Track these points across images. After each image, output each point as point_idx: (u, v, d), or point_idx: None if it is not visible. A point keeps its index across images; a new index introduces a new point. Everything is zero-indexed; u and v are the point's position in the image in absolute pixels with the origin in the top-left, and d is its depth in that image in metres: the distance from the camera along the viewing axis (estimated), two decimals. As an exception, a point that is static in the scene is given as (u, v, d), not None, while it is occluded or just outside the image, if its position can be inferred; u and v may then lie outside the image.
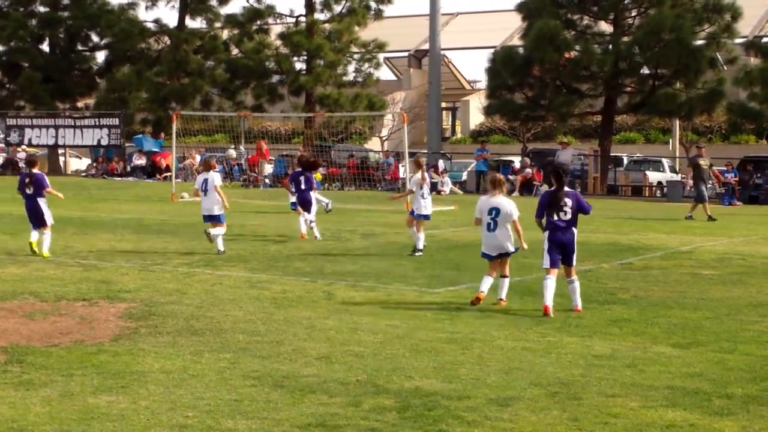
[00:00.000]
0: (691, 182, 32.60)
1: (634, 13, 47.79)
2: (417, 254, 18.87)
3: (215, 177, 19.38)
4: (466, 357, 10.05)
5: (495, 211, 13.62)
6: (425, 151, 51.98)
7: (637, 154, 53.11)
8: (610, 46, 46.00)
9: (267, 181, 45.79)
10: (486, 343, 10.75)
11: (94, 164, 53.96)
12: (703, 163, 30.69)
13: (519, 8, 48.31)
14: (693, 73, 44.93)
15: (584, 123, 60.90)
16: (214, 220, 19.26)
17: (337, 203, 33.85)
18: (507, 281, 13.66)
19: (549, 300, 12.65)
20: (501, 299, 13.44)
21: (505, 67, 47.09)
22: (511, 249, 13.75)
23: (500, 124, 61.70)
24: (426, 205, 19.54)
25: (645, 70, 47.00)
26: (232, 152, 47.01)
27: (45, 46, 59.46)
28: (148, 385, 8.67)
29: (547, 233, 13.15)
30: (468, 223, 26.59)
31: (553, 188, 13.42)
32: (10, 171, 52.94)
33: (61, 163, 57.25)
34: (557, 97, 47.27)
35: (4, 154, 57.17)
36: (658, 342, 10.98)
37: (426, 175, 20.04)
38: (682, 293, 14.69)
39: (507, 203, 13.73)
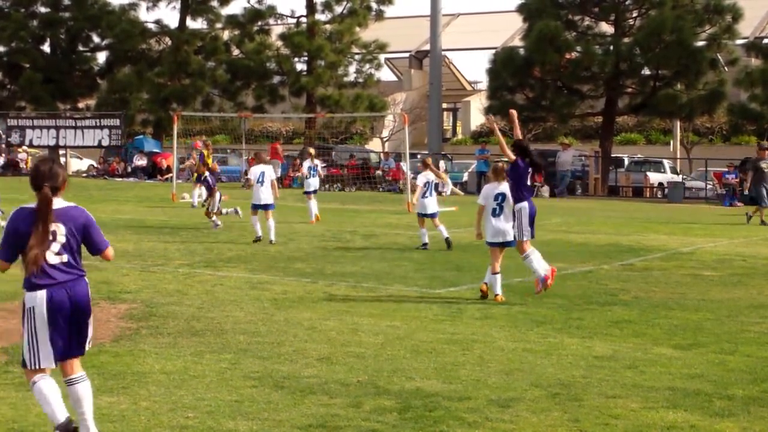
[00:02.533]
0: (748, 184, 31.64)
1: (634, 14, 47.84)
2: (423, 247, 20.03)
3: (270, 170, 21.46)
4: (466, 358, 10.05)
5: (501, 197, 13.84)
6: (426, 152, 52.04)
7: (638, 155, 53.14)
8: (611, 47, 46.04)
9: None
10: (487, 344, 10.75)
11: (110, 162, 53.84)
12: (765, 166, 29.47)
13: (520, 9, 48.36)
14: (694, 74, 44.98)
15: (585, 124, 60.92)
16: (267, 208, 20.94)
17: (338, 204, 33.87)
18: (499, 277, 13.79)
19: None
20: (498, 295, 13.64)
21: (505, 67, 47.13)
22: (511, 238, 13.82)
23: (501, 124, 61.63)
24: (434, 203, 20.69)
25: (646, 71, 47.05)
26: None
27: (46, 47, 59.56)
28: (149, 386, 8.67)
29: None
30: (469, 224, 26.59)
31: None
32: (11, 172, 52.96)
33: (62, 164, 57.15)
34: (558, 98, 47.31)
35: (5, 155, 57.16)
36: (659, 343, 10.98)
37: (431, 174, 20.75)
38: (682, 294, 14.69)
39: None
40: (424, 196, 20.31)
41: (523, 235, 13.60)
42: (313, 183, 27.03)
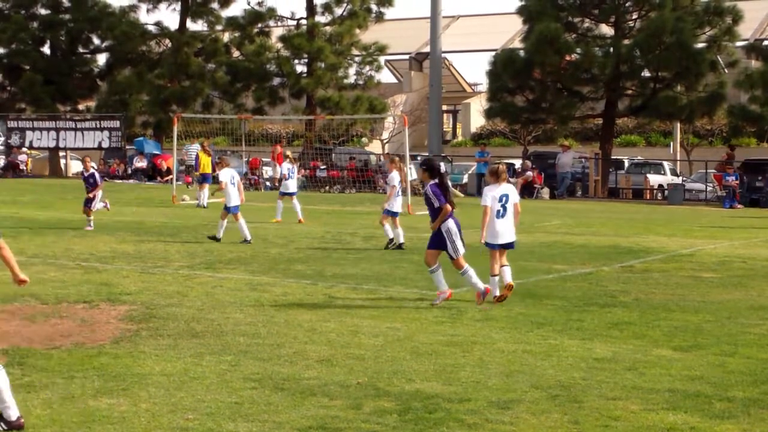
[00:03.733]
0: None
1: (635, 16, 47.84)
2: (401, 248, 20.23)
3: (236, 173, 21.89)
4: (466, 360, 10.05)
5: (505, 198, 13.89)
6: (426, 154, 52.04)
7: (638, 157, 53.15)
8: (611, 49, 46.04)
9: (267, 183, 45.84)
10: (487, 345, 10.74)
11: (110, 164, 53.78)
12: None
13: (520, 11, 48.35)
14: (694, 76, 44.97)
15: (585, 126, 60.95)
16: (237, 210, 21.43)
17: (338, 206, 33.87)
18: (508, 268, 13.94)
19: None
20: (510, 283, 13.68)
21: (505, 69, 47.12)
22: (512, 239, 14.01)
23: (501, 126, 61.71)
24: (399, 202, 20.98)
25: (646, 73, 47.03)
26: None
27: (46, 49, 59.58)
28: (149, 388, 8.67)
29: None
30: (469, 226, 26.58)
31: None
32: (11, 173, 52.98)
33: (62, 166, 57.24)
34: (558, 100, 47.31)
35: (5, 157, 57.18)
36: (659, 345, 10.98)
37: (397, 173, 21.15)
38: (683, 296, 14.69)
39: (513, 189, 14.22)
40: (398, 194, 20.81)
41: (458, 252, 13.33)
42: (291, 185, 27.13)
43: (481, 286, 13.33)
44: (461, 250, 13.40)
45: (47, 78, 56.65)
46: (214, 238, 21.11)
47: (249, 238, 21.03)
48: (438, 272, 13.38)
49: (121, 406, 8.07)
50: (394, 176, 20.90)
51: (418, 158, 50.66)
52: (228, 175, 21.84)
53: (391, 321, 12.10)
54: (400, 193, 20.94)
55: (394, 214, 20.64)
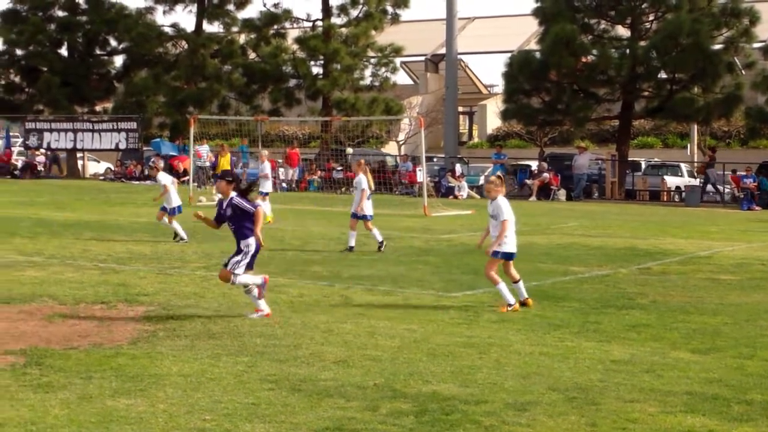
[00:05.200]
0: None
1: (651, 18, 47.74)
2: (382, 248, 20.09)
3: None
4: (483, 361, 10.03)
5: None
6: (442, 155, 52.03)
7: (655, 159, 53.00)
8: (628, 51, 45.97)
9: (284, 185, 45.89)
10: (503, 347, 10.73)
11: (127, 166, 53.90)
12: None
13: (536, 13, 48.30)
14: (711, 77, 44.86)
15: (601, 127, 60.82)
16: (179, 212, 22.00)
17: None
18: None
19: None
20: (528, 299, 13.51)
21: (521, 71, 47.08)
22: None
23: (517, 128, 61.65)
24: (370, 206, 20.60)
25: (662, 75, 46.95)
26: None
27: (63, 50, 59.80)
28: (166, 388, 8.68)
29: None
30: (485, 228, 26.57)
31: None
32: (29, 174, 53.18)
33: (80, 167, 57.43)
34: (574, 102, 47.24)
35: (24, 158, 57.43)
36: (676, 347, 10.95)
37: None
38: (700, 298, 14.64)
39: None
40: (368, 198, 20.45)
41: (240, 268, 12.34)
42: (269, 185, 27.20)
43: (259, 279, 12.47)
44: (243, 267, 12.34)
45: (65, 80, 56.83)
46: (181, 239, 21.12)
47: (185, 237, 21.23)
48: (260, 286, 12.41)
49: (139, 407, 8.09)
50: (362, 180, 20.53)
51: (435, 160, 50.78)
52: (169, 179, 22.30)
53: (407, 322, 12.09)
54: (369, 196, 20.55)
55: (365, 218, 20.27)
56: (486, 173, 48.25)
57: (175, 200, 21.81)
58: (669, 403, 8.54)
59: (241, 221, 12.46)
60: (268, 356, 10.06)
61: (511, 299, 13.13)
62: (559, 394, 8.77)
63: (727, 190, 44.42)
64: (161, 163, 24.47)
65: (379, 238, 20.32)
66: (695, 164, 49.64)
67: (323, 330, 11.47)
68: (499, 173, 14.26)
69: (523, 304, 13.32)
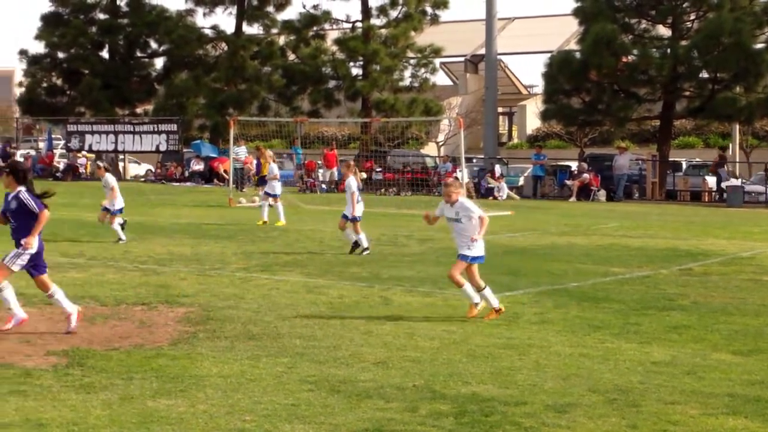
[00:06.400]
0: None
1: (692, 17, 47.40)
2: (366, 253, 19.59)
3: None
4: (523, 363, 10.00)
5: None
6: (481, 156, 51.93)
7: (696, 159, 52.60)
8: (669, 50, 45.67)
9: (324, 186, 45.99)
10: (543, 349, 10.69)
11: (167, 167, 54.24)
12: None
13: (576, 12, 48.12)
14: (753, 77, 44.46)
15: (642, 127, 60.47)
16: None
17: (393, 208, 33.88)
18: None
19: None
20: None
21: (561, 71, 46.92)
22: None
23: (557, 128, 61.43)
24: (361, 207, 20.29)
25: (704, 74, 46.59)
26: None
27: (105, 53, 60.29)
28: (206, 389, 8.72)
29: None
30: (524, 229, 26.52)
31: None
32: (71, 176, 53.65)
33: (121, 169, 57.87)
34: (615, 102, 47.00)
35: (66, 160, 57.95)
36: (718, 349, 10.86)
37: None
38: (742, 299, 14.51)
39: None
40: (358, 200, 20.14)
41: (16, 267, 11.18)
42: (278, 187, 26.89)
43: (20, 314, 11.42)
44: (20, 264, 11.19)
45: (106, 82, 57.29)
46: (119, 240, 21.04)
47: (124, 238, 21.19)
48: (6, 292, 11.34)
49: (179, 407, 8.13)
50: (352, 182, 20.35)
51: (474, 161, 50.71)
52: (115, 180, 22.24)
53: (446, 324, 12.08)
54: (360, 198, 20.28)
55: (355, 220, 19.91)
56: (526, 174, 48.16)
57: (119, 202, 21.72)
58: (710, 405, 8.47)
59: (24, 218, 11.26)
60: (308, 357, 10.08)
61: (477, 297, 12.60)
62: (599, 396, 8.72)
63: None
64: (107, 165, 23.96)
65: (365, 244, 19.80)
66: (719, 163, 49.08)
67: (362, 331, 11.48)
68: (455, 174, 13.81)
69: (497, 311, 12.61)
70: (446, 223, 13.06)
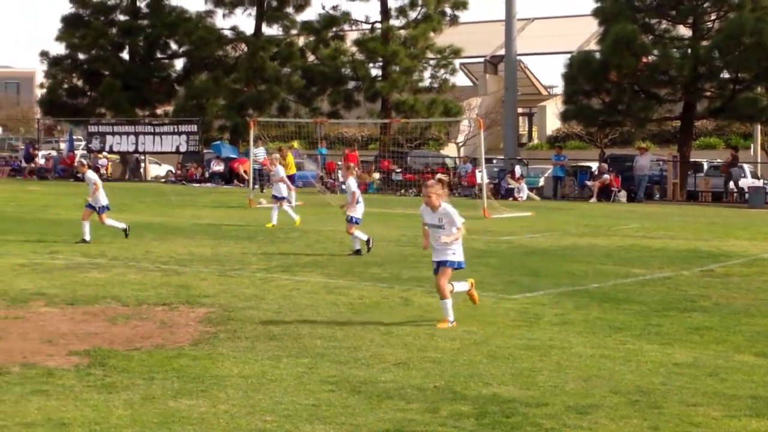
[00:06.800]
0: None
1: (713, 17, 47.20)
2: (355, 254, 19.37)
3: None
4: (544, 364, 9.98)
5: None
6: (501, 157, 51.87)
7: (718, 160, 52.34)
8: (689, 51, 45.50)
9: (343, 187, 45.99)
10: (564, 350, 10.66)
11: (188, 168, 54.39)
12: None
13: (595, 13, 48.00)
14: (775, 77, 44.24)
15: (663, 128, 60.28)
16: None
17: (413, 209, 33.85)
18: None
19: None
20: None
21: (581, 72, 46.81)
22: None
23: (577, 129, 61.29)
24: (361, 208, 20.11)
25: (725, 75, 46.39)
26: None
27: (125, 54, 60.54)
28: (228, 390, 8.74)
29: None
30: (545, 229, 26.47)
31: None
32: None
33: (141, 170, 58.06)
34: (635, 102, 46.85)
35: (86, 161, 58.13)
36: (740, 350, 10.80)
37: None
38: (764, 301, 14.44)
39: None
40: (358, 201, 19.95)
41: None
42: (283, 189, 26.71)
43: None
44: None
45: (126, 83, 57.51)
46: (83, 240, 20.91)
47: (123, 226, 21.47)
48: None
49: (201, 408, 8.14)
50: (352, 183, 20.25)
51: (494, 161, 50.64)
52: (97, 177, 22.09)
53: (467, 324, 12.06)
54: (360, 199, 20.12)
55: (356, 221, 19.73)
56: (546, 175, 48.06)
57: (104, 199, 21.53)
58: (733, 407, 8.43)
59: None
60: (329, 358, 10.09)
61: (452, 316, 12.00)
62: (620, 397, 8.69)
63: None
64: (89, 164, 23.63)
65: (356, 246, 19.62)
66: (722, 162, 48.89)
67: (383, 332, 11.47)
68: (439, 176, 13.24)
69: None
70: (423, 227, 12.44)
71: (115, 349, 10.37)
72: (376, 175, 32.64)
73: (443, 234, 12.04)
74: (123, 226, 21.63)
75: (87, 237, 21.03)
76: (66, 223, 25.76)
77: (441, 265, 12.15)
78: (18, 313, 12.50)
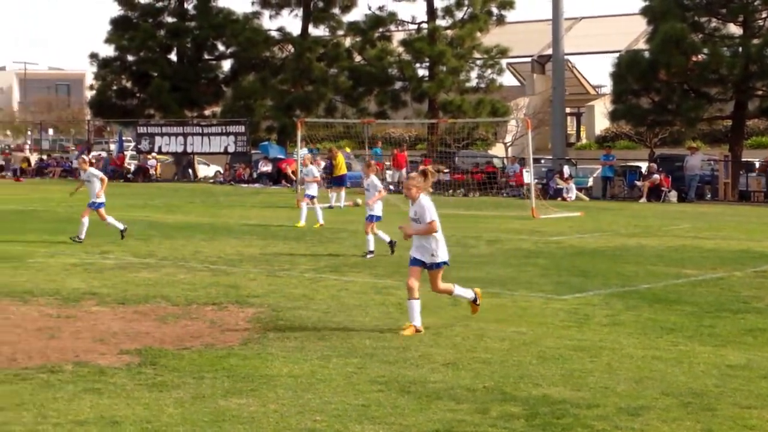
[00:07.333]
0: None
1: (764, 15, 46.63)
2: (369, 256, 19.04)
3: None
4: (594, 365, 9.90)
5: None
6: (549, 157, 51.63)
7: (757, 160, 51.75)
8: (740, 49, 44.98)
9: (391, 187, 45.99)
10: (615, 351, 10.57)
11: (236, 169, 54.70)
12: None
13: (644, 12, 47.62)
14: (827, 75, 43.66)
15: (713, 127, 59.68)
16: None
17: (462, 210, 33.80)
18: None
19: None
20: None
21: (630, 71, 46.45)
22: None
23: (626, 129, 60.85)
24: (381, 207, 19.83)
25: (777, 73, 45.80)
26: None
27: (173, 56, 60.98)
28: (277, 389, 8.75)
29: None
30: (594, 230, 26.30)
31: None
32: (142, 178, 54.31)
33: (190, 171, 58.42)
34: (685, 102, 46.40)
35: (136, 162, 58.70)
36: (794, 352, 10.66)
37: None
38: (818, 302, 14.23)
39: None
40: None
41: None
42: (314, 188, 26.59)
43: None
44: None
45: (174, 84, 57.93)
46: (77, 238, 20.85)
47: (123, 227, 21.32)
48: None
49: (250, 407, 8.17)
50: (375, 180, 20.01)
51: (542, 161, 50.42)
52: (101, 173, 21.98)
53: (516, 325, 12.00)
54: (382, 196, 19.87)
55: (377, 219, 19.42)
56: (595, 175, 47.77)
57: (102, 197, 21.33)
58: (788, 409, 8.32)
59: None
60: (378, 358, 10.08)
61: (419, 321, 11.37)
62: (673, 399, 8.60)
63: None
64: (85, 164, 23.25)
65: (371, 247, 19.24)
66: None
67: (432, 332, 11.44)
68: (427, 168, 12.84)
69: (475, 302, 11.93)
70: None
71: (166, 348, 10.43)
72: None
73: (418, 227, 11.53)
74: (81, 237, 21.03)
75: (81, 235, 20.93)
76: (116, 223, 25.92)
77: (423, 267, 11.54)
78: (70, 312, 12.62)
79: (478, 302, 12.10)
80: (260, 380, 9.07)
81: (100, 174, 21.88)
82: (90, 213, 21.40)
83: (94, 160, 23.36)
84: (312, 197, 26.26)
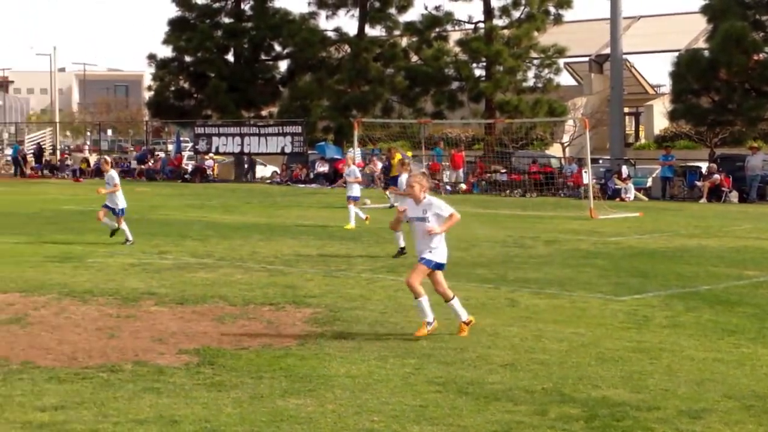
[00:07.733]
0: None
1: (827, 12, 45.92)
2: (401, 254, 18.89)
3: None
4: (654, 367, 9.79)
5: None
6: (607, 157, 51.24)
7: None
8: (803, 48, 44.33)
9: (448, 187, 45.91)
10: (675, 353, 10.45)
11: (293, 169, 54.88)
12: None
13: (704, 10, 47.08)
14: None
15: (775, 127, 58.75)
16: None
17: (519, 210, 33.65)
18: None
19: None
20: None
21: (690, 70, 45.96)
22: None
23: (686, 129, 60.18)
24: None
25: (841, 72, 45.07)
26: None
27: (230, 56, 61.29)
28: (335, 389, 8.76)
29: None
30: (653, 230, 26.04)
31: None
32: (199, 178, 54.70)
33: (250, 171, 58.73)
34: (746, 101, 45.80)
35: (194, 162, 59.15)
36: None
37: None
38: None
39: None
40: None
41: None
42: (357, 189, 26.45)
43: None
44: None
45: (231, 85, 58.24)
46: (128, 242, 20.72)
47: (131, 239, 20.85)
48: None
49: (308, 407, 8.18)
50: (405, 179, 19.83)
51: (600, 161, 50.03)
52: (118, 178, 21.82)
53: (575, 326, 11.91)
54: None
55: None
56: (654, 175, 47.31)
57: (122, 202, 21.25)
58: None
59: None
60: (435, 359, 10.05)
61: (430, 316, 11.34)
62: (735, 402, 8.48)
63: None
64: (107, 166, 23.04)
65: (401, 243, 19.03)
66: None
67: (489, 333, 11.39)
68: (423, 169, 12.52)
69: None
70: (409, 224, 11.75)
71: (224, 348, 10.48)
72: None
73: (425, 229, 11.27)
74: (115, 225, 21.21)
75: (130, 236, 20.85)
76: (175, 223, 26.19)
77: (418, 261, 11.41)
78: (129, 312, 12.74)
79: (468, 324, 11.47)
80: (318, 380, 9.08)
81: (116, 179, 21.62)
82: (110, 216, 21.38)
83: (113, 162, 23.00)
84: (355, 198, 26.24)
